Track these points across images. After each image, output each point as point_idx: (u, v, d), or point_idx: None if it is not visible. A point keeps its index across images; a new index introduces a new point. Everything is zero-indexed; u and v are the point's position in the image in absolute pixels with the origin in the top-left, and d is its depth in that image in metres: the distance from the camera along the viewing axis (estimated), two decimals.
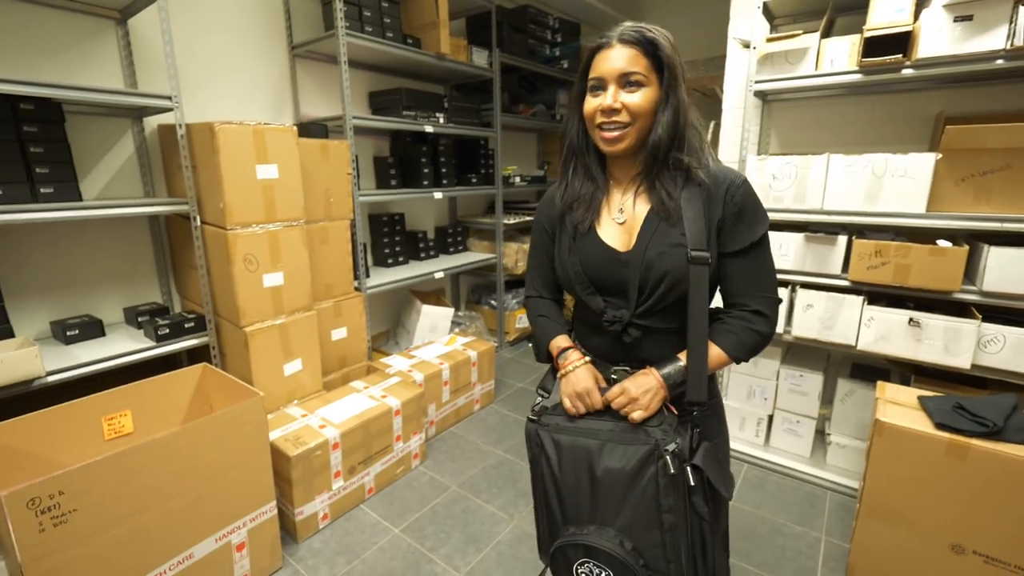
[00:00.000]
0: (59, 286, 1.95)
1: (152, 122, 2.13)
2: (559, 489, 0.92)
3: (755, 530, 1.86)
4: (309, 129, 2.45)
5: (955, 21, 1.60)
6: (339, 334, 2.43)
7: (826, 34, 1.97)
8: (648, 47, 0.87)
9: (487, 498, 2.08)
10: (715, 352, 0.93)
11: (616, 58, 0.87)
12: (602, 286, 0.96)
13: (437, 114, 3.06)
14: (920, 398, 1.55)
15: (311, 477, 1.79)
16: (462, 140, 3.57)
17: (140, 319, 1.95)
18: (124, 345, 1.80)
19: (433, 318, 3.12)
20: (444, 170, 3.26)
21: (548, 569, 0.97)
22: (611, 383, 0.96)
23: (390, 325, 3.49)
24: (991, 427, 1.35)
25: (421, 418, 2.28)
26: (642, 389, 0.90)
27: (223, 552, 1.49)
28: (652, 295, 0.91)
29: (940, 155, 1.69)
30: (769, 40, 1.99)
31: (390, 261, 3.15)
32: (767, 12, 2.14)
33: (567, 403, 0.95)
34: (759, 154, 2.24)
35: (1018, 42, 1.52)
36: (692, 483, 0.84)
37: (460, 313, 3.68)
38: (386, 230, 3.16)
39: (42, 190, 1.63)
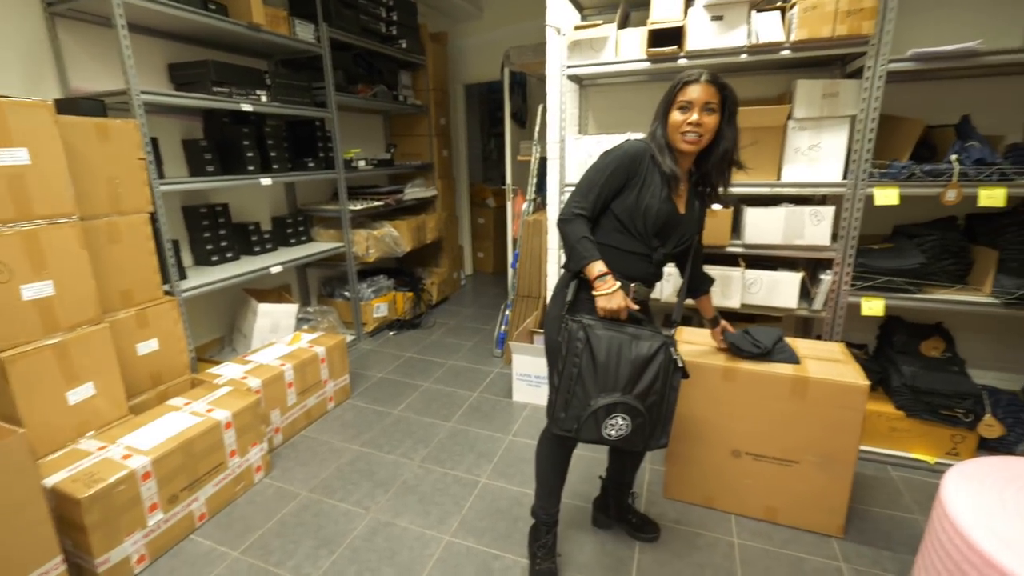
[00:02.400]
0: None
1: None
2: (596, 367, 1.29)
3: (593, 471, 2.06)
4: (79, 105, 2.03)
5: (712, 20, 1.89)
6: (148, 347, 2.11)
7: (623, 25, 2.19)
8: (720, 87, 1.31)
9: (341, 496, 2.00)
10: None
11: (702, 91, 1.30)
12: (660, 232, 1.39)
13: (258, 91, 2.78)
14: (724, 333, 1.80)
15: (115, 518, 1.54)
16: (295, 121, 3.30)
17: None
18: None
19: (273, 317, 2.87)
20: (273, 154, 2.98)
21: (573, 434, 1.33)
22: (628, 294, 1.38)
23: (224, 331, 3.13)
24: (763, 349, 1.67)
25: (260, 427, 2.10)
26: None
27: None
28: (683, 243, 1.45)
29: None
30: (576, 28, 2.15)
31: (215, 258, 2.81)
32: (575, 2, 2.31)
33: (602, 312, 1.33)
34: (580, 134, 2.44)
35: (754, 40, 1.85)
36: (680, 364, 1.32)
37: (310, 309, 3.43)
38: (207, 223, 2.80)
39: None
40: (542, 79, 2.76)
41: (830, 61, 2.12)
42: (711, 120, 1.31)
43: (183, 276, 2.47)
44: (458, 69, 4.81)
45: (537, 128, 3.01)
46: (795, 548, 1.68)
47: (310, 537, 1.78)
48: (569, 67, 2.19)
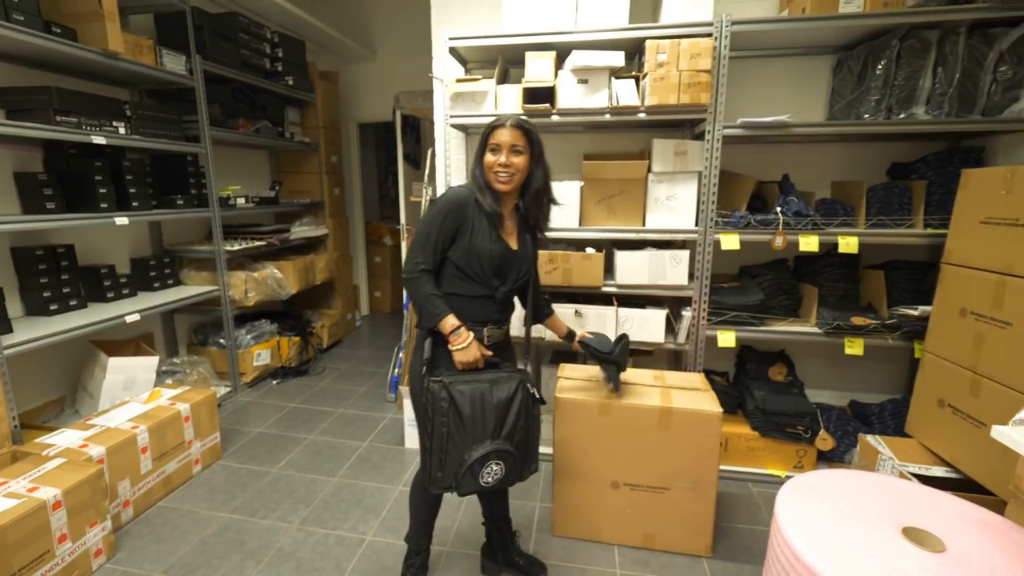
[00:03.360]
0: None
1: None
2: (464, 422, 1.33)
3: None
4: None
5: (578, 83, 2.08)
6: None
7: (502, 81, 2.33)
8: (526, 130, 1.42)
9: (203, 575, 1.77)
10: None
11: (508, 134, 1.40)
12: (499, 271, 1.45)
13: (115, 123, 2.53)
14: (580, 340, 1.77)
15: None
16: (163, 156, 3.03)
17: None
18: None
19: (127, 372, 2.53)
20: (134, 190, 2.70)
21: (453, 491, 1.36)
22: (483, 340, 1.46)
23: (67, 390, 2.70)
24: (608, 350, 1.70)
25: (102, 503, 1.81)
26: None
27: None
28: (521, 278, 1.51)
29: (583, 183, 2.18)
30: (458, 81, 2.25)
31: (54, 307, 2.45)
32: (457, 55, 2.42)
33: (460, 366, 1.40)
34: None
35: (614, 102, 2.07)
36: (538, 396, 1.42)
37: (176, 360, 3.08)
38: (44, 267, 2.44)
39: None
40: (433, 123, 2.84)
41: (682, 124, 2.43)
42: (519, 160, 1.41)
43: (7, 329, 2.12)
44: (351, 108, 4.78)
45: (427, 171, 3.06)
46: (670, 572, 1.78)
47: None
48: (452, 116, 2.27)
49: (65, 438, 2.01)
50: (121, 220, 2.52)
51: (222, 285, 3.15)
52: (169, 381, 2.84)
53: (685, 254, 2.17)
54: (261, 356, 3.40)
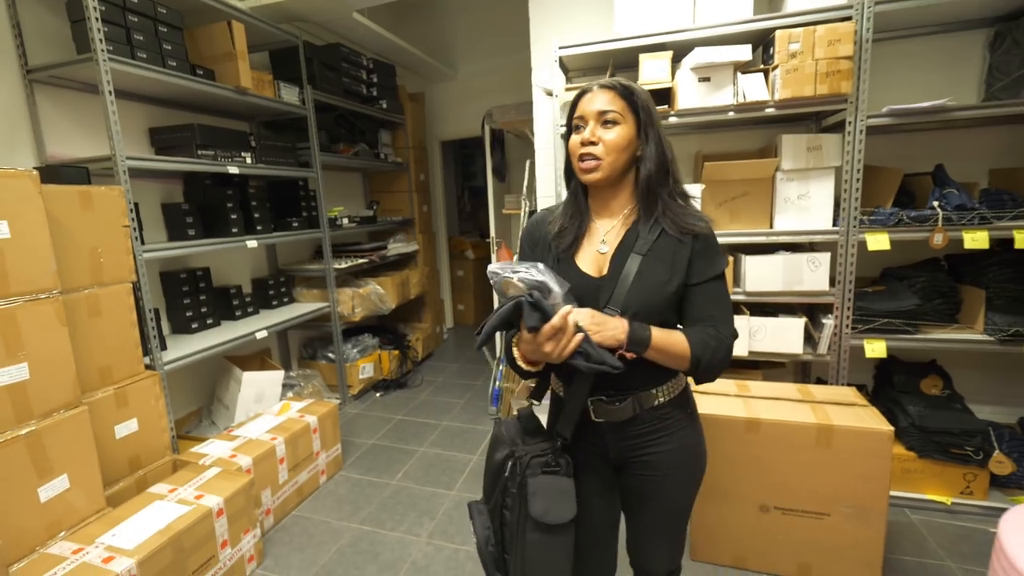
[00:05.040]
0: None
1: None
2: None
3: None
4: (61, 173, 1.94)
5: (699, 81, 1.99)
6: (127, 428, 1.93)
7: None
8: (624, 91, 0.97)
9: None
10: (675, 340, 0.96)
11: (595, 100, 0.97)
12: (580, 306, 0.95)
13: (243, 153, 2.73)
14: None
15: None
16: (277, 182, 3.25)
17: None
18: None
19: (258, 386, 2.70)
20: (257, 215, 2.90)
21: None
22: (590, 421, 1.03)
23: (203, 402, 2.92)
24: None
25: (253, 511, 1.92)
26: (607, 320, 0.93)
27: None
28: (625, 313, 0.96)
29: (704, 185, 2.07)
30: (567, 89, 2.23)
31: (195, 326, 2.66)
32: (562, 65, 2.41)
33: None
34: None
35: (740, 99, 1.96)
36: (525, 490, 0.97)
37: (292, 373, 3.26)
38: (186, 289, 2.66)
39: None
40: (520, 136, 2.84)
41: (806, 117, 2.26)
42: (612, 136, 0.95)
43: (164, 347, 2.32)
44: (434, 127, 4.93)
45: (526, 183, 3.06)
46: None
47: None
48: (563, 126, 2.25)
49: (215, 448, 2.16)
50: (251, 243, 2.70)
51: (332, 302, 3.30)
52: (290, 394, 3.01)
53: (825, 257, 2.00)
54: (365, 369, 3.52)
